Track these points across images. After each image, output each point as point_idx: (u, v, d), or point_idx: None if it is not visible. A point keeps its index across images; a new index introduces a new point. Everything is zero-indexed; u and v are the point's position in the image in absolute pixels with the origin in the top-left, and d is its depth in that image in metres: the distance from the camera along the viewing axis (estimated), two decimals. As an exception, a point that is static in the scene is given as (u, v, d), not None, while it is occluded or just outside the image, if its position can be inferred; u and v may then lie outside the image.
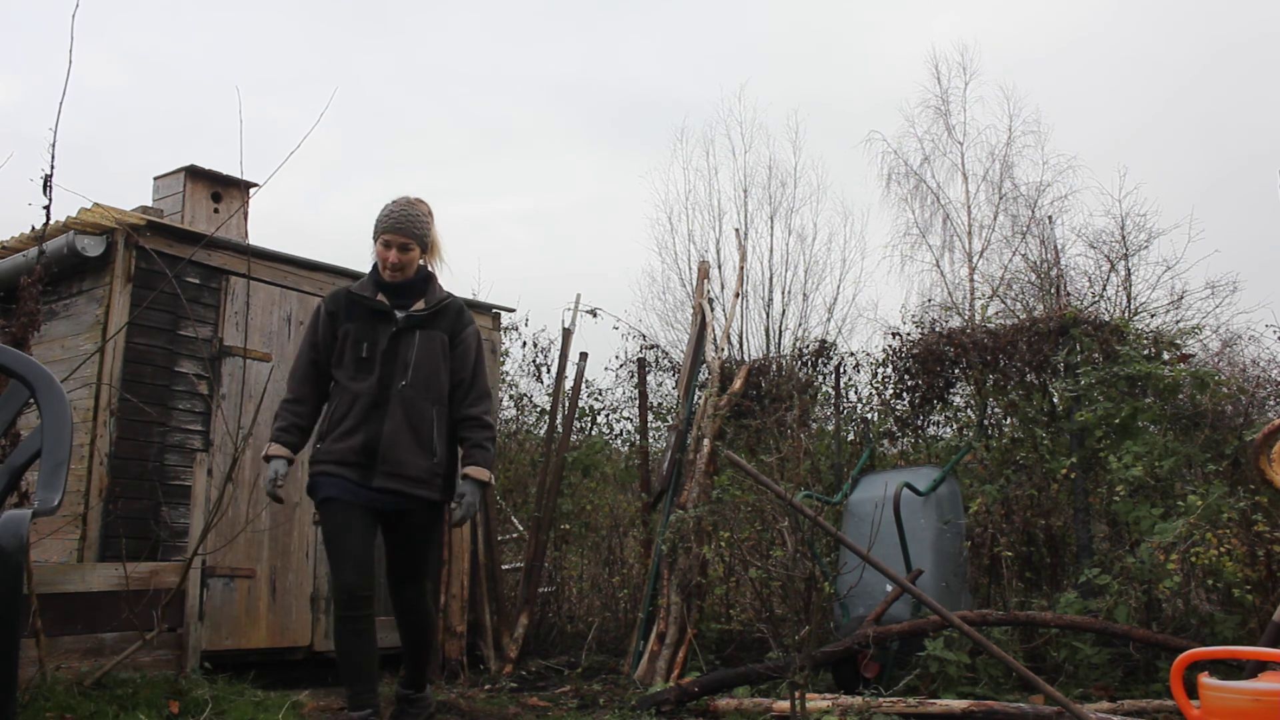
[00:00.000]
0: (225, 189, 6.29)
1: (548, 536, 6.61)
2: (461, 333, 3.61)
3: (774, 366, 7.04)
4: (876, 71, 24.00)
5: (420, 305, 3.56)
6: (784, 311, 15.30)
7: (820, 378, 6.92)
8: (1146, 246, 12.00)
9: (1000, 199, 16.20)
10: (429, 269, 3.66)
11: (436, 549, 3.60)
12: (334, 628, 3.42)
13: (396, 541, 3.56)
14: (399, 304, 3.55)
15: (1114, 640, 4.58)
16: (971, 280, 15.55)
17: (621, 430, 8.32)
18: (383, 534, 3.58)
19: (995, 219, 16.13)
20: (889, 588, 4.65)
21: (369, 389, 3.44)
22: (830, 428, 6.68)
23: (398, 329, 3.52)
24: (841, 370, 6.67)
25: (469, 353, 3.60)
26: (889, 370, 6.34)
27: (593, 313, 7.65)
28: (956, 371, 6.05)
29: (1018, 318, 6.93)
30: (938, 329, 6.26)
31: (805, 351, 7.09)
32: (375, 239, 3.58)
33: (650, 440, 6.94)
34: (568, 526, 7.22)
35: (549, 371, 8.50)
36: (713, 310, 7.03)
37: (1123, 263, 11.90)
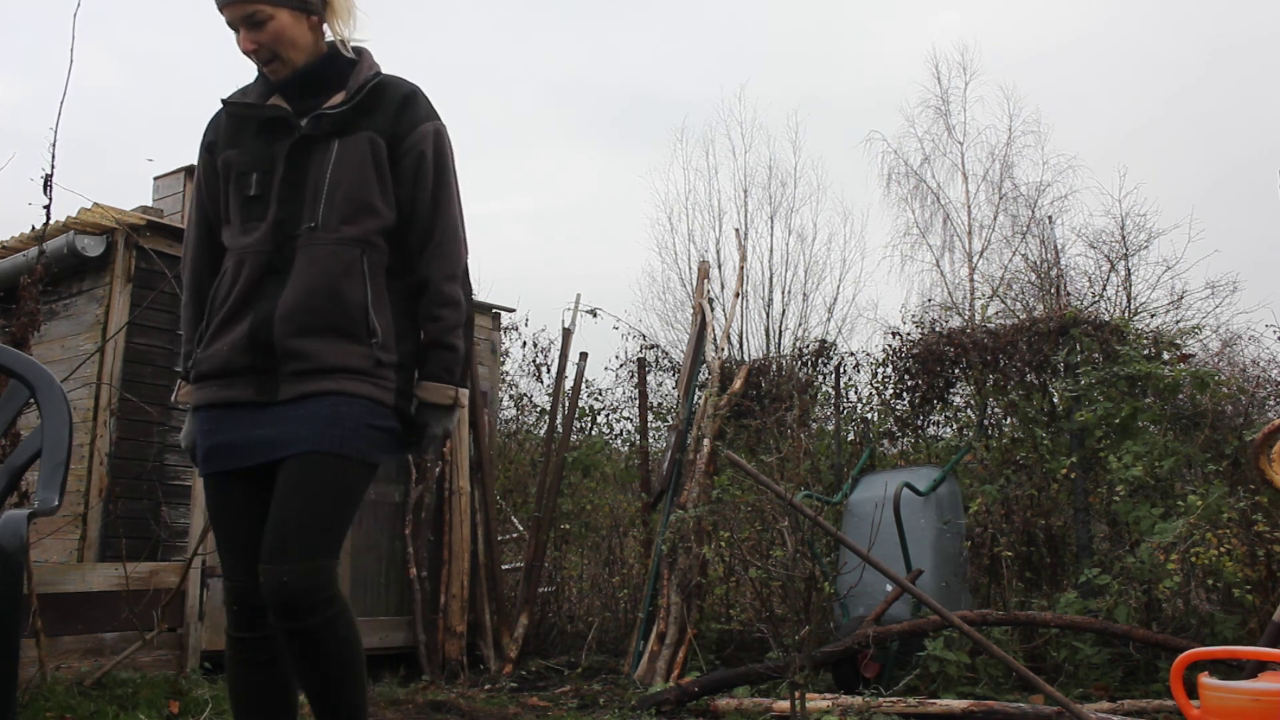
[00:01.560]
0: (225, 189, 6.28)
1: (548, 536, 6.62)
2: (411, 133, 2.16)
3: (774, 366, 7.04)
4: (876, 71, 24.02)
5: (338, 99, 2.14)
6: (784, 311, 15.30)
7: (820, 378, 6.92)
8: (1146, 246, 12.04)
9: (1000, 199, 16.19)
10: (342, 43, 2.21)
11: (356, 496, 2.06)
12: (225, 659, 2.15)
13: (299, 482, 2.01)
14: (305, 106, 2.15)
15: (1114, 640, 4.58)
16: (971, 280, 15.54)
17: (621, 430, 8.33)
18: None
19: (995, 219, 16.12)
20: (889, 588, 4.65)
21: (259, 242, 2.09)
22: (830, 428, 6.68)
23: (300, 138, 2.13)
24: (841, 370, 6.67)
25: (424, 165, 2.16)
26: (889, 370, 6.34)
27: (593, 313, 7.65)
28: (956, 371, 6.05)
29: (1018, 318, 6.94)
30: (938, 329, 6.26)
31: (805, 351, 7.09)
32: None
33: (650, 440, 6.94)
34: (568, 526, 7.22)
35: (549, 371, 8.52)
36: (713, 310, 7.03)
37: (1123, 263, 11.92)
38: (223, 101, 2.24)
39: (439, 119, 2.22)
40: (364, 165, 2.12)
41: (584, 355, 7.06)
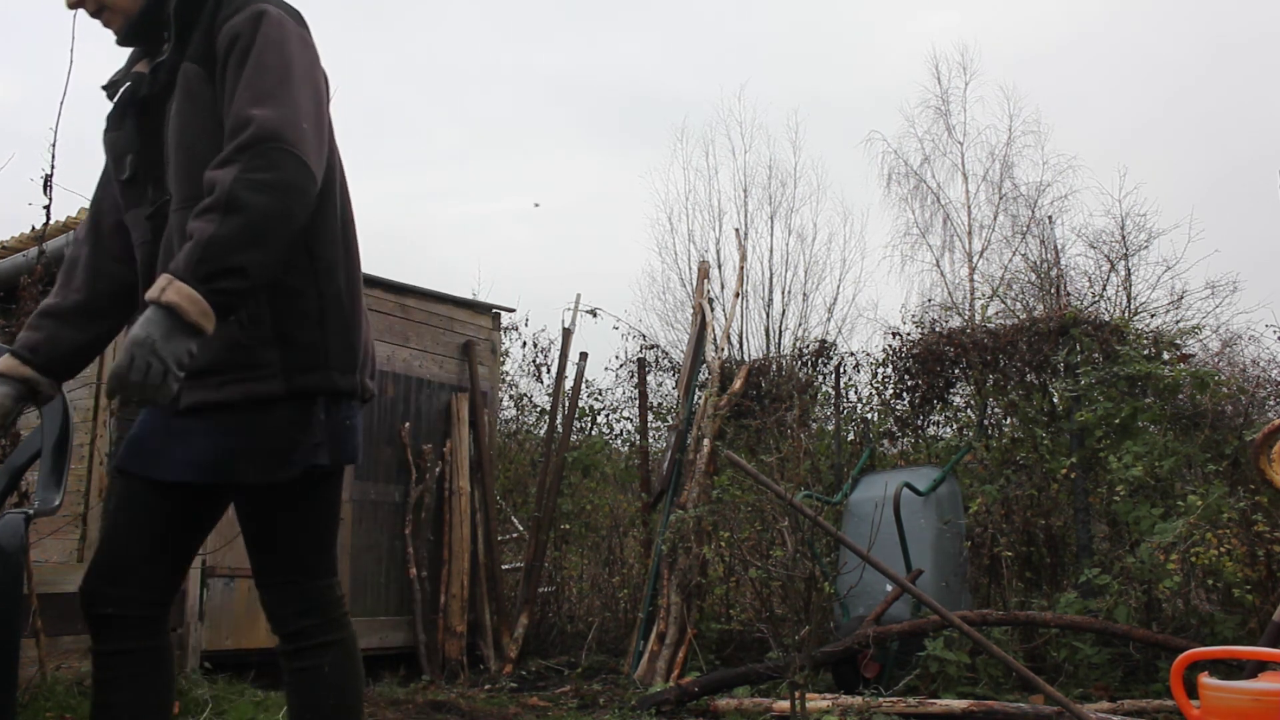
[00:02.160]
0: (225, 189, 6.28)
1: (548, 536, 6.62)
2: (219, 34, 1.72)
3: (774, 366, 7.05)
4: (876, 71, 24.00)
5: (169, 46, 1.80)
6: (784, 311, 15.27)
7: (820, 378, 6.92)
8: (1146, 246, 12.03)
9: (1000, 199, 16.18)
10: None
11: (312, 508, 1.85)
12: None
13: (236, 504, 1.87)
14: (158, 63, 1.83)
15: (1114, 640, 4.58)
16: (971, 280, 15.54)
17: (621, 430, 8.33)
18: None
19: (995, 219, 16.11)
20: (889, 587, 4.65)
21: (139, 234, 1.84)
22: (830, 428, 6.68)
23: (143, 102, 1.82)
24: (841, 370, 6.67)
25: (230, 60, 1.70)
26: (889, 370, 6.34)
27: (593, 313, 7.65)
28: (956, 371, 6.05)
29: (1018, 318, 6.94)
30: (938, 329, 6.26)
31: (805, 351, 7.10)
32: None
33: (650, 440, 6.94)
34: (568, 526, 7.23)
35: (549, 371, 8.51)
36: (713, 310, 7.03)
37: (1123, 263, 11.92)
38: (101, 87, 1.93)
39: (259, 5, 1.71)
40: (196, 110, 1.74)
41: (584, 355, 7.07)
